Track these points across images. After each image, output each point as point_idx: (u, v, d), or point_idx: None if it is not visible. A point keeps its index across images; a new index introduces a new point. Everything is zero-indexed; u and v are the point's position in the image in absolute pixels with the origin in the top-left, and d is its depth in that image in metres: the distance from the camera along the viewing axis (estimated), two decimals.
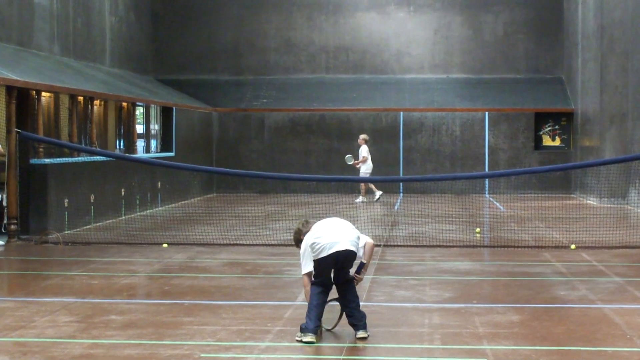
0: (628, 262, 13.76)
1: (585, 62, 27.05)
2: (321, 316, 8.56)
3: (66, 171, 18.38)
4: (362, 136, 26.56)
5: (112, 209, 20.42)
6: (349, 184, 28.06)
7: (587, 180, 25.62)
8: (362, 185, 26.09)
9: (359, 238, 8.88)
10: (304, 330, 8.40)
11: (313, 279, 8.66)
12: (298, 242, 8.93)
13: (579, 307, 10.08)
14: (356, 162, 26.20)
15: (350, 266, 8.78)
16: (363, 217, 20.94)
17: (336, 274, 8.72)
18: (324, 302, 8.64)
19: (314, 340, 8.32)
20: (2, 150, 15.97)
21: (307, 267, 8.69)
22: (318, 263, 8.61)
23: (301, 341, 8.33)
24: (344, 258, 8.63)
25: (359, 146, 26.38)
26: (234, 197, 26.84)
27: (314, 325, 8.40)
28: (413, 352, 8.08)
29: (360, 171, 26.05)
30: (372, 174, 26.07)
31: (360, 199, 25.97)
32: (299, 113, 30.14)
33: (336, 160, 29.02)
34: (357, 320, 8.60)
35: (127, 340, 8.42)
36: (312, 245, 8.65)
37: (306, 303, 8.73)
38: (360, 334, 8.49)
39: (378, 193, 26.02)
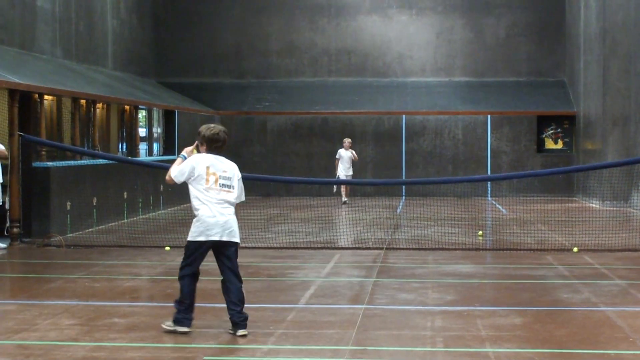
0: (631, 265, 13.74)
1: (587, 64, 27.04)
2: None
3: (68, 174, 18.39)
4: (347, 141, 26.72)
5: (114, 212, 20.42)
6: (351, 186, 28.06)
7: (589, 183, 25.61)
8: (345, 187, 26.44)
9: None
10: (180, 322, 8.77)
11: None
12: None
13: (581, 310, 10.07)
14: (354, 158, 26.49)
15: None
16: (365, 219, 20.94)
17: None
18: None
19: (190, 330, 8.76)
20: (6, 153, 15.96)
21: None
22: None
23: (175, 331, 8.72)
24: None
25: (345, 150, 26.53)
26: None
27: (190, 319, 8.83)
28: (415, 355, 8.07)
29: (345, 174, 26.20)
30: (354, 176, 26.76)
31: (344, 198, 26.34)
32: (301, 116, 30.15)
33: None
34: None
35: (129, 343, 8.42)
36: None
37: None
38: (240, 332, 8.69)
39: (345, 198, 26.32)
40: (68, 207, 18.05)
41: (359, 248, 15.87)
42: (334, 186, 26.83)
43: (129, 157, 22.79)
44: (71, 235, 17.67)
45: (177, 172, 8.77)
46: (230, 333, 8.67)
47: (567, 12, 30.30)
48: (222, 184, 8.75)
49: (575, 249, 15.23)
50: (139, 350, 8.13)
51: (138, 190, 21.92)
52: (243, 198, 9.02)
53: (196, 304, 10.39)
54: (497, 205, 26.15)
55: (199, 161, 8.73)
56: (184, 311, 8.76)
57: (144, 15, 29.92)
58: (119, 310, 10.02)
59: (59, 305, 10.35)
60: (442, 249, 15.69)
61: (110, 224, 19.86)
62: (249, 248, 15.70)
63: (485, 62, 31.46)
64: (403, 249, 15.81)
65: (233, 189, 8.82)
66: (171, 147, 26.31)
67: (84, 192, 18.81)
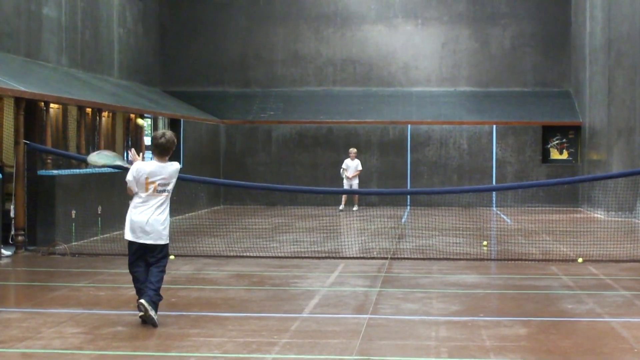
0: (636, 276, 13.72)
1: (592, 75, 27.04)
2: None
3: (74, 183, 18.41)
4: (353, 151, 27.92)
5: (119, 221, 20.33)
6: (357, 196, 28.10)
7: (594, 193, 25.60)
8: (354, 196, 27.72)
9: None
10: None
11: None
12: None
13: (586, 321, 10.06)
14: (355, 174, 27.11)
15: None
16: (370, 229, 20.94)
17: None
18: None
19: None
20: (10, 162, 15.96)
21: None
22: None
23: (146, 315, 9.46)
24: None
25: (352, 160, 27.76)
26: (241, 209, 26.86)
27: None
28: None
29: (354, 183, 27.11)
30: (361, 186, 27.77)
31: (355, 207, 27.46)
32: (306, 125, 30.18)
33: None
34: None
35: (133, 352, 8.42)
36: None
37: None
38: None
39: (342, 206, 27.34)
40: (73, 216, 18.06)
41: (363, 258, 15.86)
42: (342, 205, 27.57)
43: None
44: (76, 243, 17.69)
45: (128, 179, 9.74)
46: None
47: (573, 22, 30.31)
48: (160, 190, 9.73)
49: (580, 260, 15.21)
50: (143, 359, 8.13)
51: None
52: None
53: (199, 313, 10.42)
54: (502, 216, 26.14)
55: (139, 173, 9.68)
56: (138, 292, 9.86)
57: (150, 24, 29.98)
58: (123, 319, 10.02)
59: (63, 313, 10.35)
60: (447, 259, 15.68)
61: (115, 233, 19.86)
62: (253, 257, 15.70)
63: (490, 72, 31.47)
64: (408, 258, 15.81)
65: (169, 192, 9.85)
66: (176, 155, 26.32)
67: (89, 201, 18.82)
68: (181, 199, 23.62)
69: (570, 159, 29.81)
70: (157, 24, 30.93)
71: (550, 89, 31.18)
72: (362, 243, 18.14)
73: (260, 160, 30.00)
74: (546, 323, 9.88)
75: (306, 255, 16.14)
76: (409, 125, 29.97)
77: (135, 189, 9.68)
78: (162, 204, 9.72)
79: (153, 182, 9.61)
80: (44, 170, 17.48)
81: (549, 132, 29.82)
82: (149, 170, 9.65)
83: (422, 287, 12.61)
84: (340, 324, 9.85)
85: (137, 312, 9.66)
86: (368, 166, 29.77)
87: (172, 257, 15.65)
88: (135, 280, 9.83)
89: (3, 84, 16.35)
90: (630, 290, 12.21)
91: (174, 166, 9.86)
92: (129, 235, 9.74)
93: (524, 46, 31.36)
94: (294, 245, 17.72)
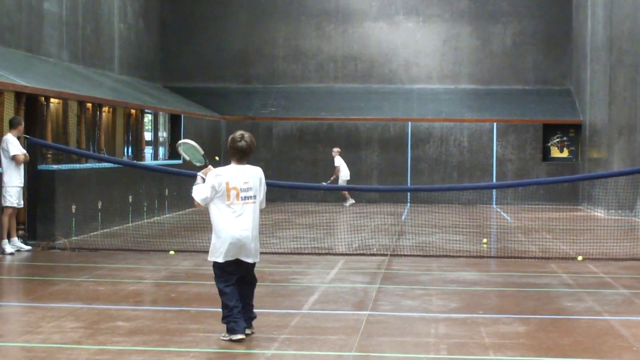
0: (635, 274, 13.72)
1: (594, 73, 27.03)
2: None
3: (74, 177, 18.41)
4: (335, 149, 28.32)
5: (119, 216, 20.44)
6: (357, 192, 28.10)
7: (594, 192, 25.59)
8: (344, 192, 28.19)
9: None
10: (232, 331, 8.56)
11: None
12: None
13: (585, 319, 10.06)
14: (332, 177, 27.88)
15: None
16: (370, 226, 20.94)
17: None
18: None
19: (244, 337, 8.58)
20: (26, 158, 15.92)
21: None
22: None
23: (231, 340, 8.53)
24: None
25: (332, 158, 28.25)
26: None
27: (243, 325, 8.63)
28: None
29: (340, 179, 27.91)
30: (350, 182, 27.91)
31: (348, 202, 27.82)
32: (307, 122, 30.17)
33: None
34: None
35: (133, 347, 8.42)
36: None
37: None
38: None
39: (350, 201, 27.97)
40: (73, 210, 18.06)
41: (363, 254, 15.86)
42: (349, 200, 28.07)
43: (135, 161, 22.81)
44: (76, 238, 17.69)
45: (200, 196, 8.68)
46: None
47: (574, 21, 30.30)
48: (244, 197, 8.67)
49: (580, 258, 15.21)
50: (142, 354, 8.13)
51: (143, 194, 21.94)
52: (263, 204, 8.95)
53: (198, 309, 10.41)
54: (502, 213, 26.13)
55: (218, 180, 8.63)
56: (231, 317, 8.60)
57: (150, 19, 29.97)
58: (123, 314, 10.03)
59: (63, 308, 10.36)
60: (447, 256, 15.68)
61: (115, 228, 19.87)
62: None
63: (491, 70, 31.46)
64: (407, 255, 15.81)
65: (256, 198, 8.75)
66: (177, 151, 26.30)
67: (89, 196, 18.83)
68: (181, 194, 23.67)
69: (571, 157, 29.81)
70: (158, 19, 30.92)
71: (551, 87, 31.17)
72: (362, 240, 18.14)
73: (261, 156, 29.96)
74: (545, 321, 9.88)
75: (306, 251, 16.15)
76: (410, 123, 29.96)
77: (209, 197, 8.63)
78: (249, 215, 8.67)
79: (235, 188, 8.61)
80: (44, 165, 17.49)
81: (549, 130, 29.82)
82: (229, 174, 8.66)
83: (421, 284, 12.61)
84: (339, 320, 9.85)
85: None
86: (369, 163, 29.80)
87: (171, 252, 15.67)
88: (227, 299, 8.66)
89: (4, 79, 16.35)
90: (629, 289, 12.21)
91: (257, 169, 8.88)
92: (217, 255, 8.73)
93: (525, 44, 31.35)
94: (293, 241, 17.72)
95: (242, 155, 8.73)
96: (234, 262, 8.66)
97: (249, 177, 8.71)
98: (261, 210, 8.88)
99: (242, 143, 8.70)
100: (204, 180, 8.74)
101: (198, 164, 9.00)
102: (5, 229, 15.58)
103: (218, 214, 8.66)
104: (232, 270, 8.67)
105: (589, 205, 26.93)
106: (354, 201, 27.95)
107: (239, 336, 8.48)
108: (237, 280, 8.69)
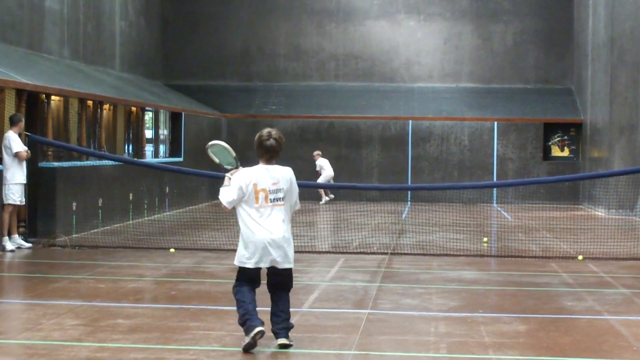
0: (635, 274, 13.72)
1: (595, 73, 27.02)
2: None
3: (74, 175, 18.41)
4: (317, 152, 28.79)
5: (120, 213, 20.44)
6: (357, 191, 28.09)
7: (595, 191, 25.58)
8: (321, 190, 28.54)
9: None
10: (249, 329, 8.02)
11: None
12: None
13: (585, 318, 10.06)
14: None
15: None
16: (370, 224, 20.93)
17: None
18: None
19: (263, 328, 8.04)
20: (27, 155, 15.91)
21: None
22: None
23: (253, 339, 7.98)
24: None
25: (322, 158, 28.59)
26: None
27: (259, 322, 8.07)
28: None
29: (324, 178, 28.27)
30: (335, 180, 28.34)
31: (323, 200, 28.26)
32: (307, 120, 30.17)
33: (345, 167, 29.06)
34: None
35: (133, 345, 8.42)
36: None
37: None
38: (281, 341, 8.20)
39: (325, 198, 28.34)
40: (74, 208, 18.07)
41: (363, 253, 15.86)
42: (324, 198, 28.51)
43: (135, 159, 22.81)
44: (76, 235, 17.69)
45: (226, 199, 8.15)
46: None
47: (575, 20, 30.29)
48: (273, 199, 8.15)
49: (580, 257, 15.21)
50: (143, 352, 8.13)
51: (144, 192, 21.94)
52: (297, 205, 8.48)
53: (198, 306, 10.41)
54: (503, 212, 26.13)
55: (246, 181, 8.15)
56: (249, 314, 8.11)
57: (152, 17, 29.96)
58: (123, 312, 10.03)
59: (63, 305, 10.36)
60: (447, 254, 15.68)
61: (115, 225, 19.88)
62: None
63: (492, 68, 31.46)
64: (408, 254, 15.81)
65: (284, 200, 8.21)
66: (177, 149, 26.34)
67: (90, 193, 18.83)
68: (182, 192, 23.68)
69: (572, 156, 29.80)
70: (160, 17, 30.92)
71: (552, 86, 31.16)
72: (362, 238, 18.15)
73: None
74: (545, 320, 9.88)
75: (306, 249, 16.14)
76: (411, 121, 29.96)
77: (236, 199, 8.14)
78: (279, 218, 8.17)
79: (263, 190, 8.09)
80: (44, 162, 17.49)
81: (550, 129, 29.81)
82: (257, 175, 8.15)
83: (421, 282, 12.61)
84: (339, 318, 9.85)
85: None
86: (369, 161, 29.80)
87: (172, 250, 15.68)
88: (242, 302, 8.21)
89: (5, 76, 16.35)
90: (629, 288, 12.21)
91: (287, 170, 8.33)
92: (244, 261, 8.18)
93: (526, 43, 31.34)
94: (294, 239, 17.70)
95: (271, 155, 8.23)
96: (259, 269, 8.20)
97: (278, 177, 8.20)
98: None
99: (271, 142, 8.19)
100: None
101: (228, 167, 8.51)
102: (5, 226, 15.58)
103: (245, 217, 8.15)
104: (255, 278, 8.25)
105: (589, 205, 26.92)
106: (329, 198, 28.13)
107: (257, 329, 7.96)
108: (271, 287, 8.27)
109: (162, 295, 11.57)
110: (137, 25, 28.42)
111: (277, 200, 8.15)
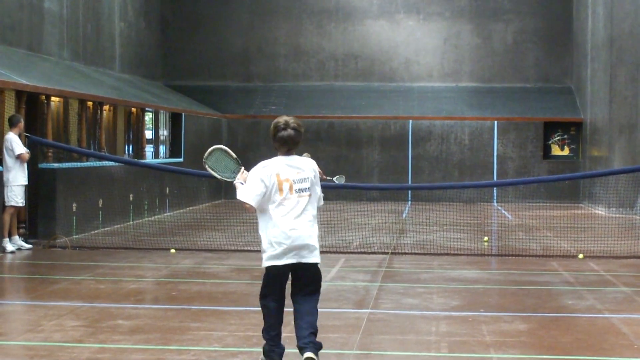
0: (636, 272, 13.72)
1: (594, 72, 27.02)
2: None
3: (75, 176, 18.41)
4: (305, 154, 28.05)
5: (120, 214, 20.44)
6: (358, 191, 28.08)
7: (595, 190, 25.59)
8: None
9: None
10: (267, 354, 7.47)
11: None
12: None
13: (586, 317, 10.06)
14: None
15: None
16: (371, 224, 20.93)
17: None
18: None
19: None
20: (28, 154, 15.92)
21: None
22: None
23: None
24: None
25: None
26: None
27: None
28: None
29: None
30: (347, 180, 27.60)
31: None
32: (307, 120, 30.12)
33: (345, 167, 29.04)
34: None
35: (134, 345, 8.42)
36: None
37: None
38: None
39: None
40: (74, 209, 18.07)
41: (364, 252, 15.86)
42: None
43: (135, 160, 22.81)
44: (77, 236, 17.69)
45: (249, 195, 7.25)
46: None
47: (575, 19, 30.29)
48: (298, 189, 7.31)
49: (581, 256, 15.20)
50: (143, 353, 8.13)
51: (144, 193, 21.94)
52: (321, 201, 7.69)
53: (199, 307, 10.40)
54: (503, 211, 26.13)
55: (267, 172, 7.28)
56: (270, 340, 7.48)
57: (151, 18, 29.96)
58: (124, 312, 10.02)
59: (64, 306, 10.35)
60: (448, 254, 15.67)
61: (116, 226, 19.87)
62: (254, 251, 15.69)
63: (492, 68, 31.46)
64: (408, 253, 15.81)
65: (310, 191, 7.39)
66: (177, 149, 26.34)
67: (90, 194, 18.83)
68: (182, 193, 23.68)
69: (572, 155, 29.81)
70: (159, 17, 30.92)
71: (552, 85, 31.16)
72: (363, 238, 18.15)
73: (262, 154, 29.65)
74: (546, 319, 9.88)
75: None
76: (411, 121, 29.96)
77: (262, 192, 7.26)
78: (306, 209, 7.38)
79: (287, 180, 7.24)
80: (44, 163, 17.49)
81: (550, 128, 29.82)
82: (277, 165, 7.30)
83: (422, 282, 12.61)
84: (340, 318, 9.85)
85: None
86: (369, 161, 29.80)
87: (172, 250, 15.68)
88: (268, 316, 7.53)
89: (5, 77, 16.36)
90: (630, 287, 12.21)
91: (309, 160, 7.61)
92: (270, 259, 7.40)
93: (526, 42, 31.34)
94: None
95: (290, 147, 7.35)
96: (290, 266, 7.38)
97: (301, 166, 7.36)
98: None
99: (289, 132, 7.33)
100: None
101: (233, 175, 7.72)
102: (6, 227, 15.58)
103: (269, 211, 7.28)
104: (283, 278, 7.47)
105: (589, 203, 26.93)
106: None
107: None
108: (296, 289, 7.50)
109: (162, 296, 11.56)
110: (136, 26, 28.42)
111: (302, 191, 7.32)
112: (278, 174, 7.26)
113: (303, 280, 7.47)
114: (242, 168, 7.73)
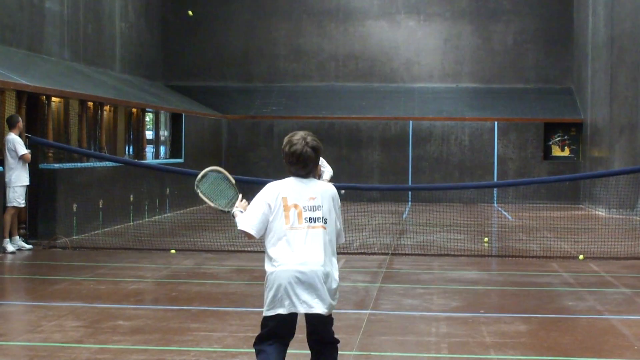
0: (636, 273, 13.72)
1: (595, 72, 27.02)
2: None
3: (75, 176, 18.41)
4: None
5: (120, 215, 20.43)
6: (358, 191, 28.06)
7: (595, 190, 25.58)
8: None
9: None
10: None
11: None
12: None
13: (586, 318, 10.06)
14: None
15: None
16: (371, 225, 20.93)
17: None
18: None
19: None
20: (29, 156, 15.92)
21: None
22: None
23: None
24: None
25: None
26: None
27: None
28: None
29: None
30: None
31: None
32: (308, 121, 30.14)
33: (345, 168, 29.03)
34: None
35: (134, 346, 8.42)
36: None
37: None
38: None
39: None
40: (74, 209, 18.07)
41: (364, 253, 15.86)
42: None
43: (136, 160, 22.81)
44: (77, 237, 17.69)
45: (249, 223, 5.89)
46: None
47: (575, 19, 30.29)
48: (309, 218, 5.82)
49: (581, 257, 15.20)
50: (143, 353, 8.13)
51: (144, 193, 21.93)
52: (342, 238, 6.20)
53: (199, 308, 10.40)
54: (503, 212, 26.13)
55: (273, 194, 5.89)
56: None
57: (152, 18, 29.97)
58: (124, 313, 10.03)
59: (64, 307, 10.36)
60: (448, 255, 15.67)
61: (116, 227, 19.87)
62: (254, 252, 15.70)
63: (492, 68, 31.45)
64: (408, 254, 15.81)
65: (326, 223, 5.89)
66: (178, 150, 26.34)
67: (90, 194, 18.83)
68: (182, 193, 23.68)
69: (572, 156, 29.80)
70: (160, 18, 30.92)
71: (552, 86, 31.16)
72: (363, 239, 18.15)
73: (262, 155, 29.99)
74: (546, 320, 9.88)
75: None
76: (411, 121, 29.95)
77: (264, 216, 5.85)
78: (320, 242, 5.83)
79: (295, 205, 5.81)
80: (45, 164, 17.49)
81: (550, 128, 29.81)
82: (286, 187, 5.89)
83: (422, 283, 12.61)
84: (340, 319, 9.83)
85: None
86: (370, 162, 29.79)
87: (172, 251, 15.68)
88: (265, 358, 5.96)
89: (5, 78, 16.35)
90: (630, 288, 12.21)
91: (328, 185, 6.07)
92: (272, 304, 5.87)
93: (526, 43, 31.33)
94: None
95: (304, 165, 5.95)
96: (293, 314, 5.85)
97: (316, 192, 5.91)
98: None
99: (307, 151, 5.97)
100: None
101: (231, 203, 6.49)
102: (7, 228, 15.58)
103: (271, 243, 5.85)
104: (284, 332, 5.98)
105: (590, 204, 26.92)
106: None
107: None
108: (310, 341, 6.14)
109: (163, 297, 11.56)
110: (137, 26, 28.42)
111: (314, 221, 5.83)
112: (285, 197, 5.85)
113: (312, 335, 6.12)
114: (240, 195, 6.46)
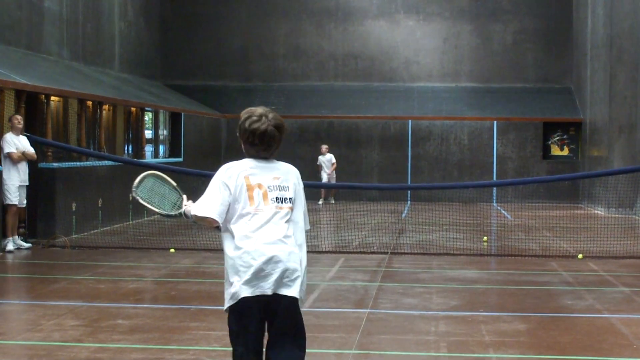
0: (635, 272, 13.72)
1: (594, 72, 27.02)
2: None
3: (74, 175, 18.41)
4: (326, 146, 28.75)
5: (119, 214, 20.43)
6: (357, 191, 28.08)
7: (595, 190, 25.58)
8: (329, 190, 28.71)
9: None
10: None
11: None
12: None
13: (585, 317, 10.06)
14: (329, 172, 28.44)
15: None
16: (370, 224, 20.93)
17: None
18: None
19: None
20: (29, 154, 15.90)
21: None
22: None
23: None
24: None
25: (323, 155, 28.61)
26: None
27: None
28: None
29: (332, 177, 28.45)
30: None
31: (332, 200, 28.20)
32: (307, 120, 30.16)
33: (344, 167, 29.03)
34: None
35: (133, 345, 8.42)
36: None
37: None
38: None
39: (322, 200, 28.28)
40: (73, 208, 18.07)
41: (363, 252, 15.86)
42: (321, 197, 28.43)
43: (135, 159, 22.81)
44: (76, 236, 17.69)
45: (209, 207, 5.42)
46: None
47: (574, 19, 30.29)
48: (276, 198, 5.35)
49: (580, 256, 15.21)
50: (143, 352, 8.13)
51: None
52: (307, 224, 5.70)
53: (199, 307, 10.39)
54: (502, 211, 26.13)
55: (231, 174, 5.38)
56: None
57: (151, 17, 29.96)
58: (123, 312, 10.03)
59: (63, 306, 10.35)
60: (447, 254, 15.67)
61: (115, 226, 19.87)
62: None
63: (492, 68, 31.45)
64: (408, 253, 15.81)
65: (293, 203, 5.44)
66: (177, 149, 26.33)
67: (90, 194, 18.83)
68: (182, 192, 23.63)
69: (571, 155, 29.80)
70: (159, 17, 30.91)
71: (551, 85, 31.16)
72: (362, 238, 18.15)
73: None
74: (546, 319, 9.88)
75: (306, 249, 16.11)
76: (410, 121, 29.96)
77: (224, 201, 5.33)
78: (285, 223, 5.34)
79: (259, 185, 5.32)
80: (44, 163, 17.48)
81: (550, 128, 29.81)
82: (247, 166, 5.41)
83: (422, 282, 12.61)
84: (340, 318, 9.85)
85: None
86: (369, 161, 29.80)
87: (172, 250, 15.67)
88: None
89: (4, 77, 16.35)
90: (629, 287, 12.21)
91: (291, 167, 5.64)
92: (236, 289, 5.23)
93: (525, 42, 31.34)
94: None
95: (267, 147, 5.52)
96: (260, 301, 5.29)
97: (280, 172, 5.51)
98: None
99: (264, 126, 5.54)
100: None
101: (175, 206, 6.12)
102: (9, 227, 15.57)
103: (234, 228, 5.31)
104: (253, 318, 5.40)
105: (589, 204, 26.93)
106: (331, 201, 28.13)
107: None
108: (269, 342, 5.52)
109: (162, 296, 11.57)
110: (136, 25, 28.42)
111: (281, 202, 5.35)
112: (247, 176, 5.35)
113: (273, 322, 5.44)
114: (185, 196, 6.02)
